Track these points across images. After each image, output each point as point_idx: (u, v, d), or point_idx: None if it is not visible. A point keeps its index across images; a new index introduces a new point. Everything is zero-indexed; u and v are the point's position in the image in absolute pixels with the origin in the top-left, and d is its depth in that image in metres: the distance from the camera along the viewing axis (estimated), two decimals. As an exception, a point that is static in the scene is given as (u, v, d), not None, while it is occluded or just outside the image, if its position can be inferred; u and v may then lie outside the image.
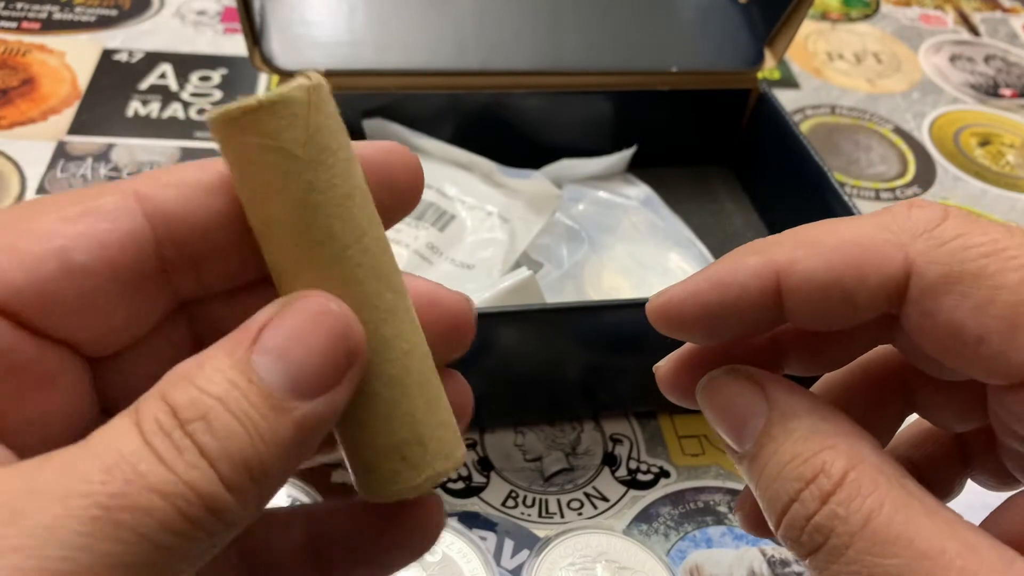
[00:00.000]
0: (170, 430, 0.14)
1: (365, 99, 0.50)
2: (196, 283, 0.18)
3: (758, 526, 0.23)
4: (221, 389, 0.14)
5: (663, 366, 0.22)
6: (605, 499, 0.40)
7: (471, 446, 0.42)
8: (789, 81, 0.69)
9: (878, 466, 0.17)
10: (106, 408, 0.18)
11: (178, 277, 0.17)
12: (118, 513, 0.13)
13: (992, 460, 0.22)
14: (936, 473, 0.23)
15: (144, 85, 0.60)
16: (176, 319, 0.18)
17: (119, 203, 0.16)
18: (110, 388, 0.18)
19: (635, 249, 0.49)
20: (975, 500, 0.23)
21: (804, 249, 0.19)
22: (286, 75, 0.47)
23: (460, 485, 0.40)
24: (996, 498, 0.21)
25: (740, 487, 0.41)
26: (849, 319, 0.19)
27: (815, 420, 0.18)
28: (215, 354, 0.15)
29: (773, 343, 0.22)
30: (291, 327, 0.15)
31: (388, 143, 0.19)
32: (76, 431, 0.17)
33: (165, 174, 0.17)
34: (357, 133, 0.51)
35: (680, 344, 0.22)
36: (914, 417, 0.23)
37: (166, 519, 0.13)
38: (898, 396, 0.22)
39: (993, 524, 0.20)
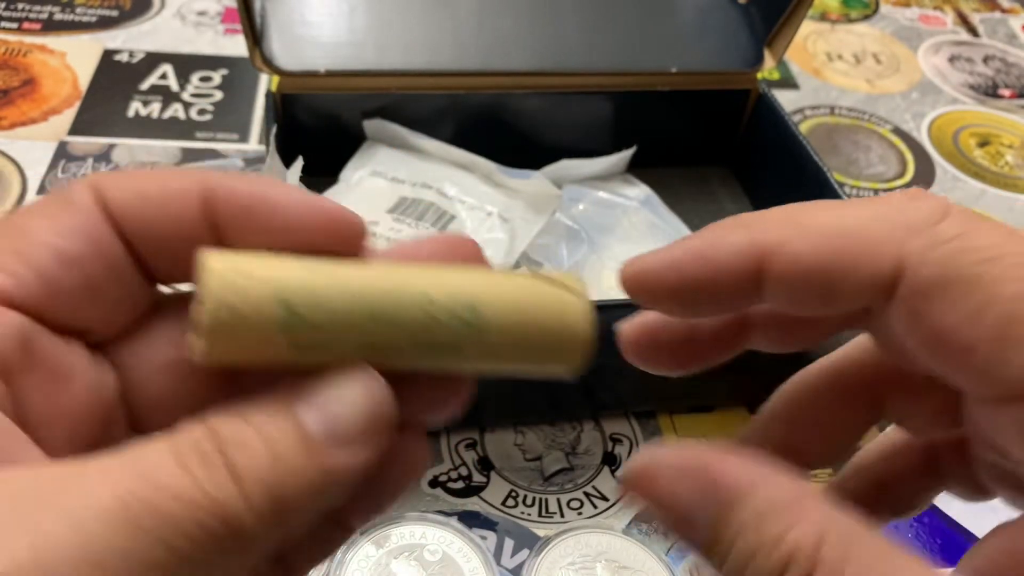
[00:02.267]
0: (205, 450, 0.15)
1: (365, 99, 0.50)
2: (175, 269, 0.18)
3: None
4: (263, 422, 0.15)
5: (625, 327, 0.21)
6: (605, 498, 0.40)
7: (471, 446, 0.42)
8: (788, 81, 0.70)
9: (848, 528, 0.16)
10: (128, 404, 0.18)
11: (155, 264, 0.18)
12: (142, 516, 0.14)
13: (965, 471, 0.21)
14: (905, 487, 0.22)
15: (145, 85, 0.60)
16: (179, 305, 0.19)
17: (82, 201, 0.17)
18: (130, 379, 0.18)
19: (635, 249, 0.48)
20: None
21: (792, 231, 0.18)
22: (286, 75, 0.47)
23: (460, 485, 0.40)
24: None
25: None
26: (830, 308, 0.18)
27: (771, 492, 0.16)
28: (266, 399, 0.16)
29: (740, 317, 0.21)
30: (336, 388, 0.16)
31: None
32: (99, 426, 0.18)
33: (124, 176, 0.18)
34: (357, 133, 0.51)
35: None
36: (880, 434, 0.23)
37: (185, 528, 0.14)
38: (869, 400, 0.22)
39: (976, 554, 0.19)
